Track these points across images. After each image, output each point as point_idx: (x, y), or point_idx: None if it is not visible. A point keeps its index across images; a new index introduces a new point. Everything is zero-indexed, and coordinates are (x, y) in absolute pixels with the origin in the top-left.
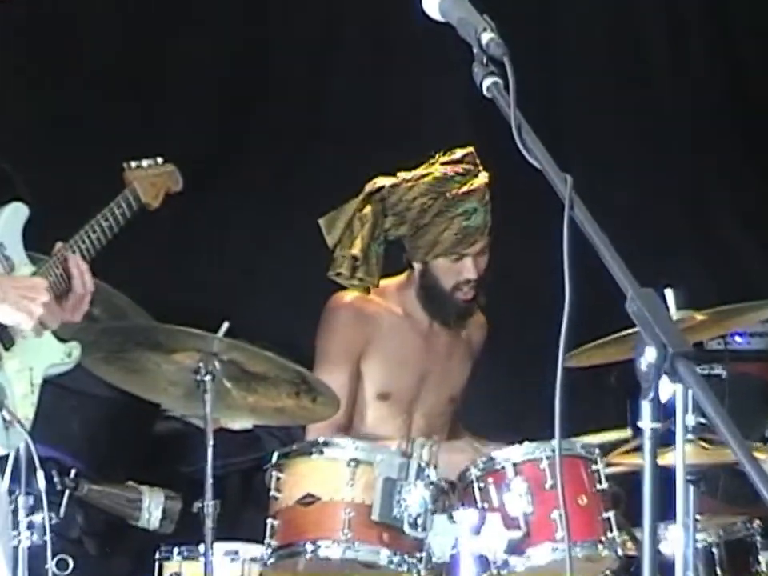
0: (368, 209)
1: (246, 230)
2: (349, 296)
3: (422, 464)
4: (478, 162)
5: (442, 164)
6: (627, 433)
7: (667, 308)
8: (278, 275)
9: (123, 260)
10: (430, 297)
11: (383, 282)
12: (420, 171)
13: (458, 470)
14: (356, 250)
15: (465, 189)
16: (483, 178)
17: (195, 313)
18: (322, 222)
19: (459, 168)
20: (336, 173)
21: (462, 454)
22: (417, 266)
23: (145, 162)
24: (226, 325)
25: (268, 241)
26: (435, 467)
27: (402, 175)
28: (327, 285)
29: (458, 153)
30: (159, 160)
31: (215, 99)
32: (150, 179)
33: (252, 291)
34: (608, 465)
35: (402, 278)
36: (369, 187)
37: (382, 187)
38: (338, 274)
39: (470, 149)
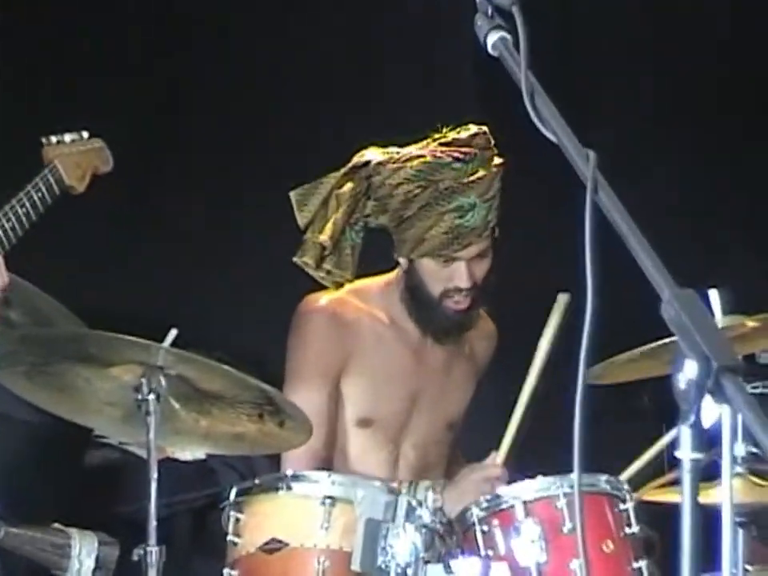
0: (348, 186)
1: (199, 219)
2: (324, 298)
3: (414, 503)
4: (491, 145)
5: (441, 144)
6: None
7: (712, 313)
8: (239, 273)
9: (49, 256)
10: (415, 302)
11: (365, 282)
12: (413, 150)
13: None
14: (325, 236)
15: (464, 179)
16: (492, 167)
17: (137, 319)
18: (293, 195)
19: (459, 152)
20: (312, 149)
21: (470, 484)
22: (403, 262)
23: (67, 137)
24: (173, 333)
25: (226, 232)
26: (444, 518)
27: (393, 151)
28: (299, 284)
29: (467, 131)
30: (84, 134)
31: (156, 65)
32: (75, 157)
33: (205, 293)
34: (640, 503)
35: (388, 277)
36: (355, 160)
37: (369, 162)
38: (304, 263)
39: (483, 128)
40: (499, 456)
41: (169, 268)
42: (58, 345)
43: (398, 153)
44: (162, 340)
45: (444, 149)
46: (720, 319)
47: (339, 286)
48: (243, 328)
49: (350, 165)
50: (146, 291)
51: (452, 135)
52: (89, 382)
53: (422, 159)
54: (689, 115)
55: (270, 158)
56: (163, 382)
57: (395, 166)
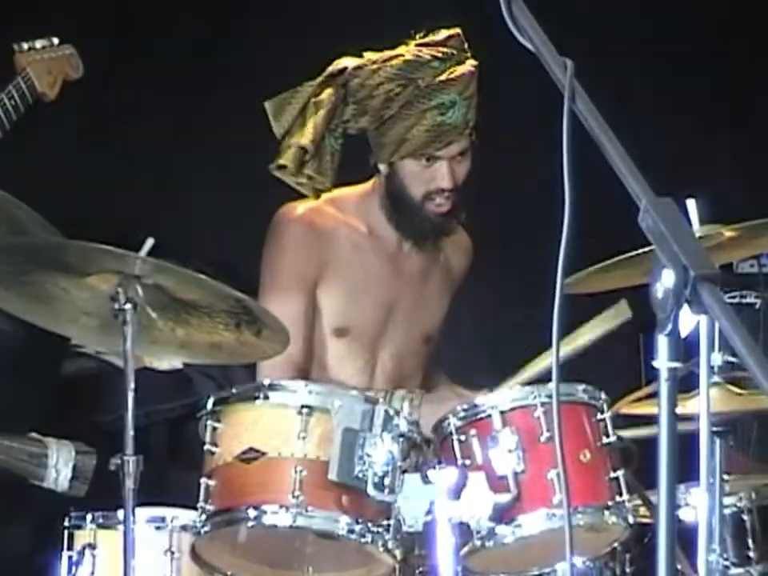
0: (326, 93)
1: (174, 127)
2: (301, 207)
3: (392, 412)
4: (465, 46)
5: (419, 45)
6: (626, 312)
7: (689, 222)
8: (216, 182)
9: (24, 165)
10: (396, 207)
11: (342, 192)
12: (390, 52)
13: None
14: (305, 140)
15: (443, 77)
16: (469, 65)
17: (114, 228)
18: (268, 105)
19: (438, 51)
20: (287, 54)
21: (449, 404)
22: (382, 168)
23: (38, 43)
24: (150, 242)
25: (202, 140)
26: (418, 425)
27: (369, 56)
28: (276, 194)
29: (442, 34)
30: (55, 41)
31: None
32: (46, 64)
33: (183, 202)
34: (617, 414)
35: (365, 186)
36: (330, 68)
37: (345, 69)
38: (282, 167)
39: (457, 30)
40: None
41: (146, 178)
42: (36, 254)
43: (372, 57)
44: (138, 250)
45: (421, 49)
46: (697, 228)
47: (318, 193)
48: (220, 238)
49: (326, 73)
50: (123, 202)
51: (428, 38)
52: (66, 292)
53: (401, 59)
54: (669, 23)
55: (247, 69)
56: (140, 291)
57: (374, 67)
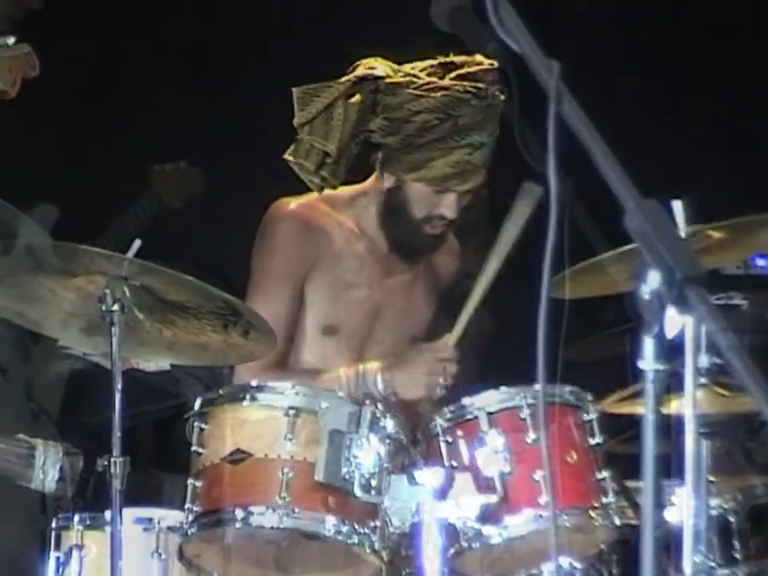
0: (356, 98)
1: (159, 125)
2: (294, 203)
3: (379, 413)
4: (497, 81)
5: (459, 77)
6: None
7: (675, 224)
8: (203, 182)
9: (9, 166)
10: (393, 220)
11: (336, 190)
12: (432, 79)
13: (420, 384)
14: (332, 146)
15: (479, 117)
16: (500, 105)
17: (101, 230)
18: (296, 91)
19: (475, 88)
20: (296, 52)
21: (419, 363)
22: (388, 177)
23: None
24: (137, 243)
25: (189, 139)
26: (396, 394)
27: (407, 70)
28: (265, 194)
29: (478, 64)
30: (11, 40)
31: None
32: (6, 63)
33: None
34: (603, 414)
35: (361, 186)
36: (362, 69)
37: (381, 78)
38: (299, 165)
39: (494, 63)
40: (451, 338)
41: (133, 180)
42: (23, 255)
43: (414, 77)
44: (126, 251)
45: (464, 83)
46: (684, 229)
47: (321, 190)
48: (207, 239)
49: (357, 74)
50: (110, 203)
51: (465, 67)
52: (53, 293)
53: (444, 92)
54: (655, 23)
55: (240, 66)
56: (127, 292)
57: (417, 92)
